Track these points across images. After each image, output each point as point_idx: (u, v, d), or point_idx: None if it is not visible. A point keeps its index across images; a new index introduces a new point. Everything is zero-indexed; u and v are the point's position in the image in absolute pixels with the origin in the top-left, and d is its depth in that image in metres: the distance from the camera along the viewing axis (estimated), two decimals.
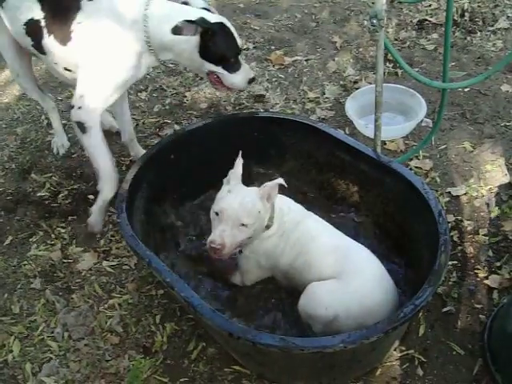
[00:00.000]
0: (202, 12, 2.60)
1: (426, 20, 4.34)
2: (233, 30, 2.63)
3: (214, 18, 2.60)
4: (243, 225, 2.18)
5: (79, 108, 2.66)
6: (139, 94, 3.93)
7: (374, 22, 2.24)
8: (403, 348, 2.30)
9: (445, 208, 2.81)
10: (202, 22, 2.50)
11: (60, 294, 2.69)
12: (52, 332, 2.53)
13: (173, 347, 2.41)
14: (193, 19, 2.48)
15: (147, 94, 3.93)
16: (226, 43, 2.61)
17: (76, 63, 2.66)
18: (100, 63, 2.60)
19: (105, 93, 2.66)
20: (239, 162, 2.36)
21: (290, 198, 2.46)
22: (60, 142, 3.55)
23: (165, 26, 2.52)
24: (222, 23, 2.59)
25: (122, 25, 2.54)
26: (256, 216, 2.21)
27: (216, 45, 2.58)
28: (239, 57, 2.68)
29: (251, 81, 2.74)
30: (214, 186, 2.85)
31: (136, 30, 2.55)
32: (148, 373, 2.32)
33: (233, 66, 2.66)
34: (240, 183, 2.33)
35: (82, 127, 2.70)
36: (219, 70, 2.64)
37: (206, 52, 2.59)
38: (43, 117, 3.82)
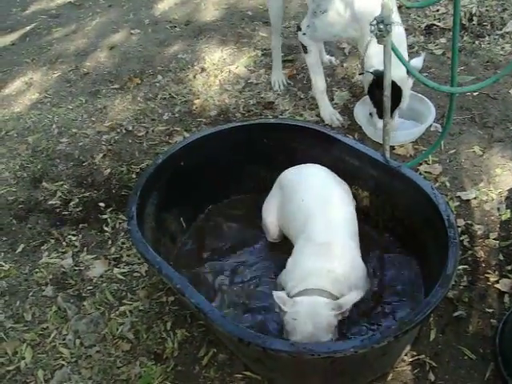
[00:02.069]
0: None
1: (434, 25, 4.34)
2: None
3: None
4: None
5: (304, 34, 3.29)
6: (148, 102, 3.96)
7: (381, 27, 2.25)
8: (414, 353, 2.29)
9: (455, 212, 2.80)
10: None
11: (71, 301, 2.70)
12: (64, 339, 2.54)
13: (184, 353, 2.41)
14: None
15: (157, 101, 3.96)
16: None
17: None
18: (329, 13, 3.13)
19: (325, 32, 3.25)
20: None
21: None
22: (280, 78, 3.91)
23: None
24: None
25: None
26: (334, 330, 2.05)
27: None
28: None
29: None
30: (222, 192, 2.89)
31: None
32: (159, 379, 2.32)
33: None
34: (297, 302, 2.08)
35: (304, 49, 3.37)
36: None
37: None
38: (54, 126, 3.86)
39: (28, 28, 5.36)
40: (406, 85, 2.99)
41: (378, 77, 2.84)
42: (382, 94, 2.59)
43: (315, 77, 3.48)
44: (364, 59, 3.11)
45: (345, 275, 2.19)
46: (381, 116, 2.82)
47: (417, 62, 3.00)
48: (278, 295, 2.09)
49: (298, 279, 2.19)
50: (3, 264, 2.91)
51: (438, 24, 4.33)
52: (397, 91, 2.95)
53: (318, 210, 2.41)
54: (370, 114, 3.24)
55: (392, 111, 2.99)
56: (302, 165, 2.66)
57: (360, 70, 3.86)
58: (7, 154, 3.68)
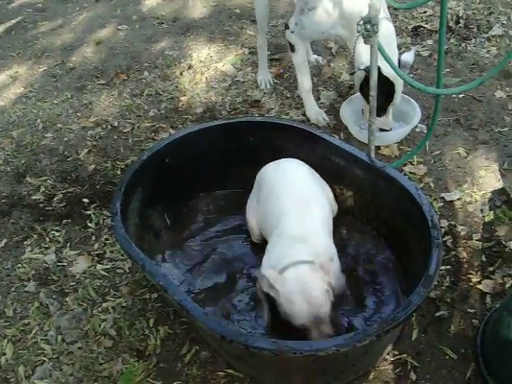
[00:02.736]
0: None
1: (421, 26, 4.36)
2: None
3: None
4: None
5: (291, 32, 3.28)
6: (134, 98, 3.94)
7: (368, 27, 2.26)
8: (396, 352, 2.30)
9: (438, 213, 2.82)
10: None
11: (54, 297, 2.68)
12: (45, 335, 2.53)
13: (166, 351, 2.41)
14: None
15: (143, 98, 3.94)
16: None
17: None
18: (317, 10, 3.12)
19: (313, 30, 3.24)
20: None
21: None
22: (266, 77, 3.91)
23: None
24: None
25: None
26: (329, 295, 2.03)
27: None
28: None
29: None
30: (207, 189, 2.88)
31: None
32: (141, 376, 2.32)
33: None
34: (287, 279, 2.06)
35: (291, 47, 3.36)
36: None
37: None
38: (39, 120, 3.84)
39: (14, 21, 5.32)
40: (399, 80, 2.99)
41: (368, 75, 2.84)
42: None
43: (301, 76, 3.48)
44: (354, 57, 3.12)
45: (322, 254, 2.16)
46: (377, 114, 2.80)
47: (407, 57, 3.00)
48: (268, 273, 2.07)
49: (277, 261, 2.16)
50: None
51: (425, 26, 4.35)
52: (390, 87, 2.97)
53: (292, 205, 2.38)
54: (362, 110, 3.25)
55: (386, 108, 3.02)
56: (282, 159, 2.63)
57: (348, 70, 3.88)
58: None
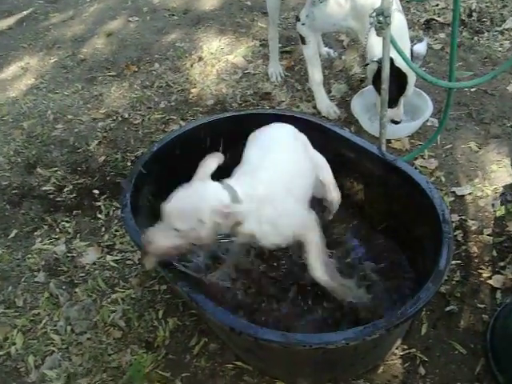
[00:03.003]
0: None
1: (434, 19, 4.32)
2: None
3: None
4: (176, 229, 1.90)
5: (302, 24, 3.28)
6: (145, 89, 3.94)
7: (381, 19, 2.24)
8: (405, 347, 2.29)
9: (449, 207, 2.80)
10: None
11: (63, 287, 2.69)
12: (55, 325, 2.54)
13: (175, 342, 2.41)
14: None
15: (153, 90, 3.94)
16: None
17: None
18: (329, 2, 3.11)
19: (325, 22, 3.22)
20: (214, 158, 2.07)
21: None
22: (277, 70, 3.89)
23: None
24: None
25: None
26: (195, 224, 1.88)
27: None
28: None
29: None
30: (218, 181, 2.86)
31: None
32: (150, 367, 2.33)
33: None
34: (203, 180, 2.01)
35: (302, 39, 3.37)
36: None
37: None
38: (49, 111, 3.84)
39: (25, 13, 5.32)
40: (412, 72, 2.96)
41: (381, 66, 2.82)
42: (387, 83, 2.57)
43: (312, 69, 3.46)
44: (366, 50, 3.10)
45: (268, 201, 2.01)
46: (389, 105, 2.79)
47: (420, 48, 2.98)
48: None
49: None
50: None
51: (438, 19, 4.31)
52: (402, 78, 2.94)
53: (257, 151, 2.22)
54: (375, 104, 3.23)
55: (397, 99, 2.99)
56: (274, 124, 2.40)
57: (359, 63, 3.86)
58: (2, 138, 3.67)
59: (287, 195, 2.11)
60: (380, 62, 2.80)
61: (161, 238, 1.92)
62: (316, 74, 3.47)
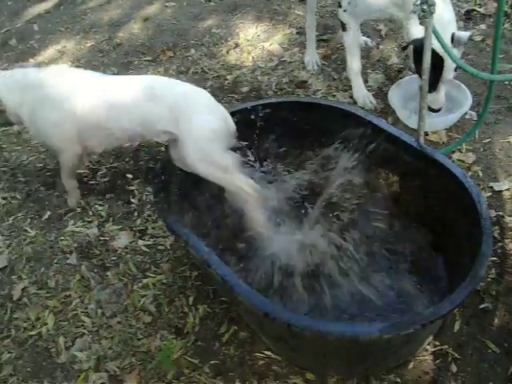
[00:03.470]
0: None
1: (475, 10, 4.23)
2: None
3: None
4: None
5: (344, 11, 3.25)
6: (180, 75, 3.93)
7: (425, 7, 2.19)
8: (437, 343, 2.26)
9: (486, 203, 2.74)
10: None
11: (95, 270, 2.71)
12: (86, 308, 2.56)
13: (204, 329, 2.41)
14: None
15: (188, 75, 3.92)
16: None
17: None
18: None
19: (367, 9, 3.19)
20: None
21: None
22: (314, 58, 3.85)
23: None
24: None
25: None
26: None
27: None
28: None
29: None
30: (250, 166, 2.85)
31: None
32: (179, 353, 2.33)
33: None
34: None
35: (343, 26, 3.34)
36: None
37: None
38: None
39: None
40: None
41: (417, 46, 2.77)
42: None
43: (351, 57, 3.42)
44: (406, 38, 3.05)
45: None
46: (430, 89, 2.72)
47: (461, 34, 2.90)
48: None
49: None
50: (29, 230, 2.93)
51: (479, 10, 4.22)
52: (438, 61, 2.83)
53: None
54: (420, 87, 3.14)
55: (436, 84, 2.91)
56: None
57: (398, 53, 3.80)
58: None
59: None
60: (413, 43, 2.78)
61: None
62: (354, 63, 3.42)
